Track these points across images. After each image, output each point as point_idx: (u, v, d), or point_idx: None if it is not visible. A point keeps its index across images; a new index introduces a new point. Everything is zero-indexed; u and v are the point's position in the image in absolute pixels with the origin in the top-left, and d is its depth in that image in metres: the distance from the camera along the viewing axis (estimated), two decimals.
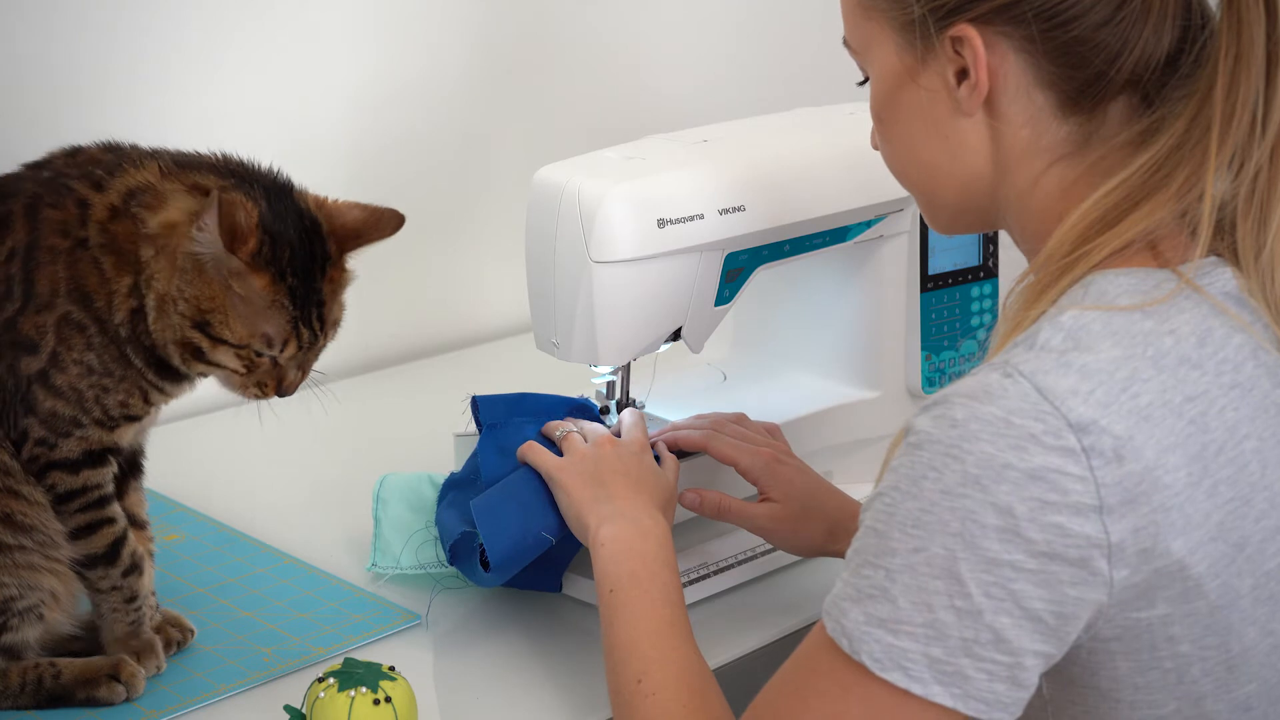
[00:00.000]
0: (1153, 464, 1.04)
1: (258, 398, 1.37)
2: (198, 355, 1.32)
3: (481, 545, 1.43)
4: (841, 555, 1.42)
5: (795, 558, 1.57)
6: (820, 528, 1.48)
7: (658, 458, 1.46)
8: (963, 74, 1.15)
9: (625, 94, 2.35)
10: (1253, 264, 1.11)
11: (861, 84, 1.25)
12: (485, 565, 1.43)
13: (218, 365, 1.33)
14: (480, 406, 1.52)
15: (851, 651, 1.06)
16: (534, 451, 1.45)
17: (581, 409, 1.53)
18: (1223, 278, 1.11)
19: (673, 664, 1.25)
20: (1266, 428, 1.09)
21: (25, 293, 1.31)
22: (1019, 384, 1.04)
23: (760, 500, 1.49)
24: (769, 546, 1.58)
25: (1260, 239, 1.11)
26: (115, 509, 1.37)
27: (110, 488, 1.37)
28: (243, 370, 1.34)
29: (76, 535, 1.35)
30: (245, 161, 1.36)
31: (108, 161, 1.35)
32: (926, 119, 1.18)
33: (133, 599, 1.38)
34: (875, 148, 1.27)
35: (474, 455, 1.52)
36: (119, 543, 1.37)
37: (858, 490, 1.66)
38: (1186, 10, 1.12)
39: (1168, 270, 1.10)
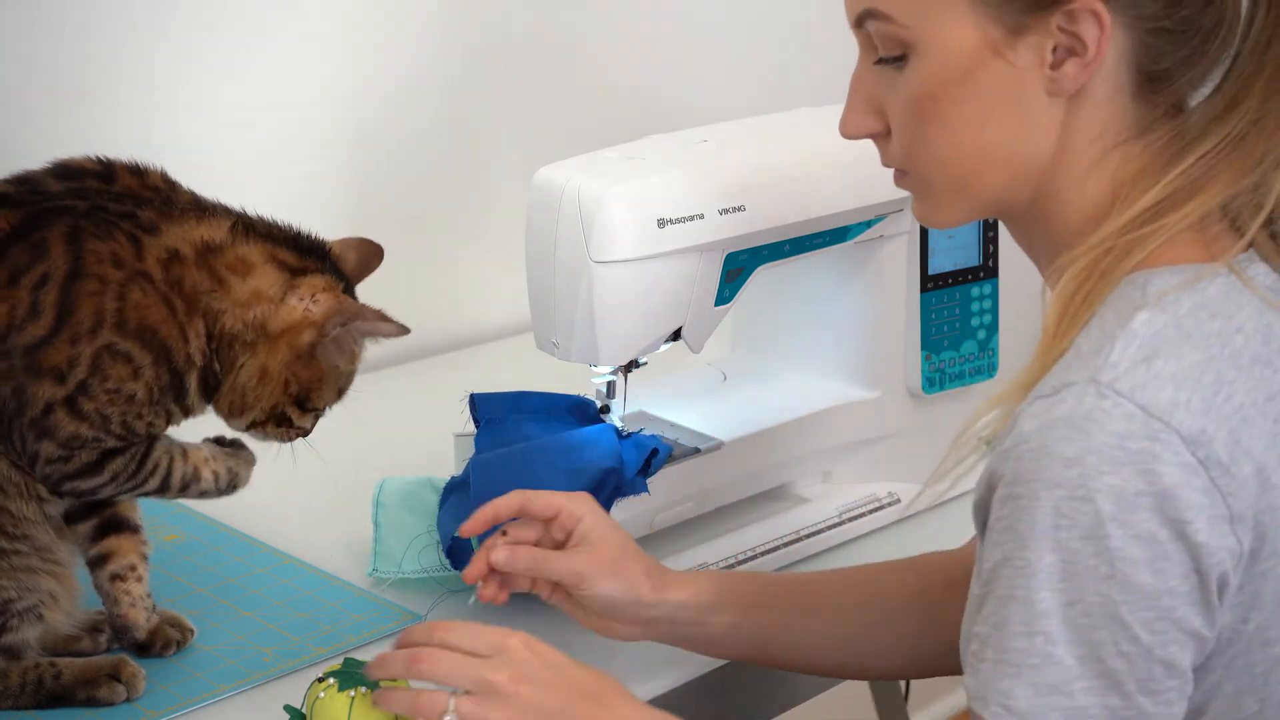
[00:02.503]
0: (1260, 463, 1.03)
1: (290, 440, 1.42)
2: (281, 421, 1.38)
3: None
4: (657, 607, 1.33)
5: (814, 551, 1.57)
6: (640, 569, 1.33)
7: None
8: (1057, 50, 1.09)
9: (625, 94, 2.35)
10: None
11: (880, 62, 1.15)
12: (451, 555, 1.43)
13: (294, 427, 1.39)
14: (479, 404, 1.52)
15: None
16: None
17: (580, 407, 1.53)
18: (1261, 271, 1.11)
19: None
20: None
21: (57, 319, 1.30)
22: (1120, 404, 1.01)
23: (576, 547, 1.33)
24: (768, 546, 1.58)
25: None
26: (153, 457, 1.37)
27: (140, 452, 1.37)
28: (309, 428, 1.41)
29: (122, 494, 1.38)
30: (297, 231, 1.40)
31: (153, 201, 1.35)
32: (1003, 98, 1.11)
33: (204, 493, 1.41)
34: (857, 135, 1.19)
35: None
36: (167, 475, 1.38)
37: (860, 490, 1.67)
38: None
39: (1216, 264, 1.09)
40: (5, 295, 1.29)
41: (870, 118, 1.18)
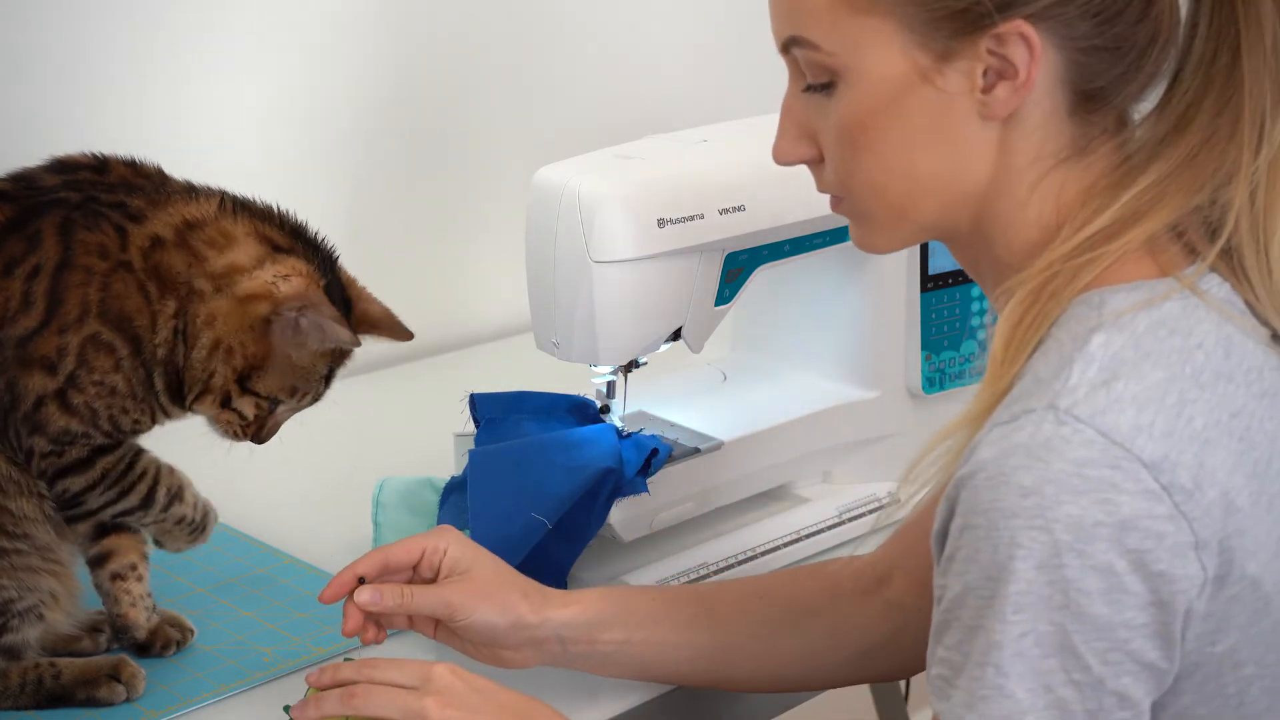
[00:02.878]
0: (1225, 487, 1.01)
1: (235, 439, 1.39)
2: (223, 401, 1.35)
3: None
4: (541, 626, 1.31)
5: (815, 550, 1.57)
6: (517, 591, 1.30)
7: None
8: (988, 74, 1.07)
9: (625, 94, 2.35)
10: (1256, 270, 1.08)
11: (811, 90, 1.12)
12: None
13: (233, 410, 1.36)
14: (478, 403, 1.53)
15: None
16: None
17: (580, 407, 1.53)
18: (1214, 283, 1.08)
19: None
20: None
21: (48, 310, 1.30)
22: (1080, 430, 0.99)
23: (447, 579, 1.30)
24: (768, 546, 1.58)
25: (1260, 249, 1.08)
26: (141, 464, 1.38)
27: (130, 454, 1.37)
28: (250, 418, 1.37)
29: (109, 506, 1.37)
30: (299, 223, 1.39)
31: (144, 189, 1.35)
32: (934, 124, 1.09)
33: (180, 521, 1.41)
34: (788, 162, 1.16)
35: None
36: (151, 488, 1.38)
37: (860, 490, 1.66)
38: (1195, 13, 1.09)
39: (1169, 279, 1.06)
40: (1, 287, 1.30)
41: (802, 144, 1.15)
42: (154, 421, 1.37)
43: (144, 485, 1.38)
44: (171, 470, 1.41)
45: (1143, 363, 1.02)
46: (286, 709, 1.26)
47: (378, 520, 1.57)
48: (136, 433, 1.37)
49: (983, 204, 1.11)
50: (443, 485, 1.55)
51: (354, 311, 1.40)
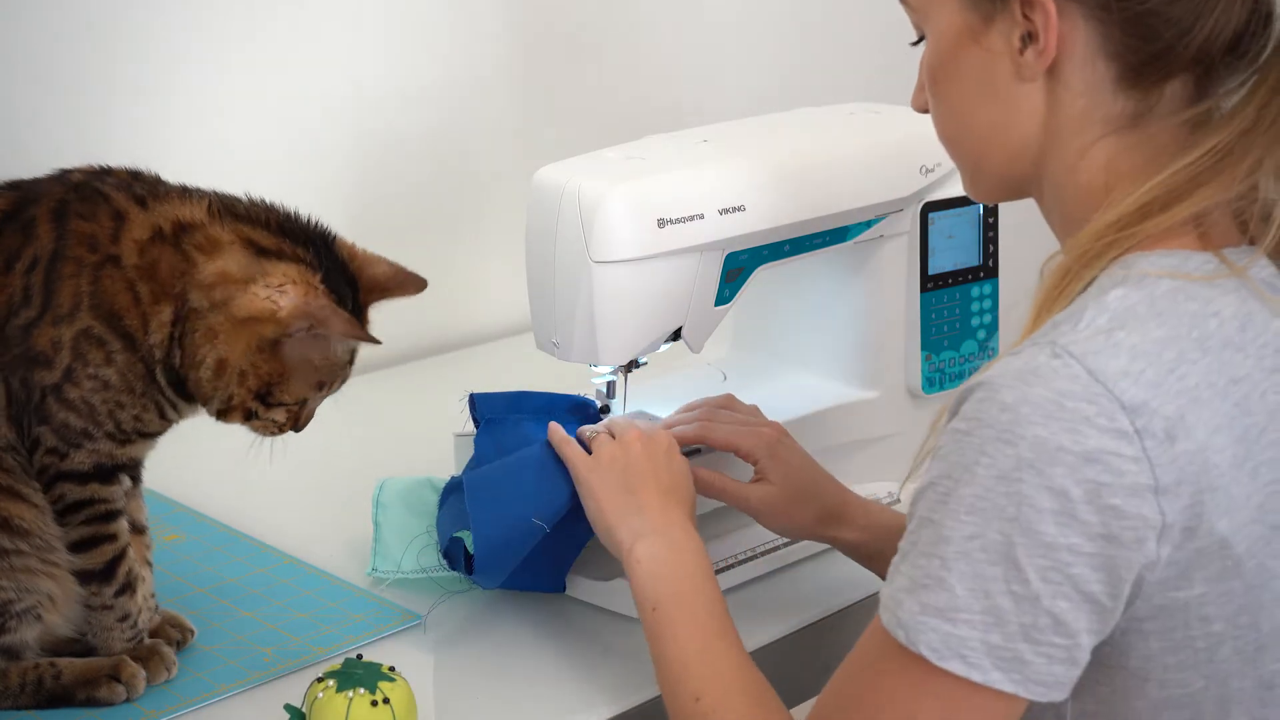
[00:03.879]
0: (1203, 444, 1.04)
1: (277, 434, 1.38)
2: (248, 416, 1.34)
3: (465, 537, 1.43)
4: (828, 540, 1.48)
5: (815, 550, 1.58)
6: (812, 512, 1.47)
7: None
8: (1027, 38, 1.14)
9: (625, 94, 2.35)
10: None
11: (915, 44, 1.24)
12: (469, 559, 1.43)
13: (262, 420, 1.35)
14: (478, 403, 1.52)
15: (909, 643, 1.05)
16: (567, 445, 1.43)
17: (580, 407, 1.53)
18: (1260, 264, 1.12)
19: (728, 677, 1.24)
20: None
21: (44, 302, 1.30)
22: (1069, 365, 1.04)
23: (755, 480, 1.48)
24: (768, 547, 1.58)
25: None
26: (119, 525, 1.36)
27: (119, 504, 1.36)
28: (283, 420, 1.36)
29: (76, 548, 1.35)
30: (287, 213, 1.36)
31: (148, 179, 1.34)
32: (984, 81, 1.17)
33: (124, 618, 1.37)
34: (918, 109, 1.25)
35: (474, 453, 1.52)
36: (117, 560, 1.36)
37: (860, 490, 1.66)
38: None
39: (1208, 254, 1.10)
40: (3, 283, 1.30)
41: (921, 94, 1.25)
42: (163, 417, 1.36)
43: (111, 549, 1.35)
44: (136, 566, 1.38)
45: (1151, 319, 1.06)
46: (287, 708, 1.27)
47: (378, 520, 1.57)
48: (143, 433, 1.35)
49: (1040, 162, 1.18)
50: (442, 485, 1.55)
51: (361, 283, 1.38)
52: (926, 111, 1.25)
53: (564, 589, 1.50)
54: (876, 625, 1.09)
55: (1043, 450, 1.02)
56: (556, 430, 1.45)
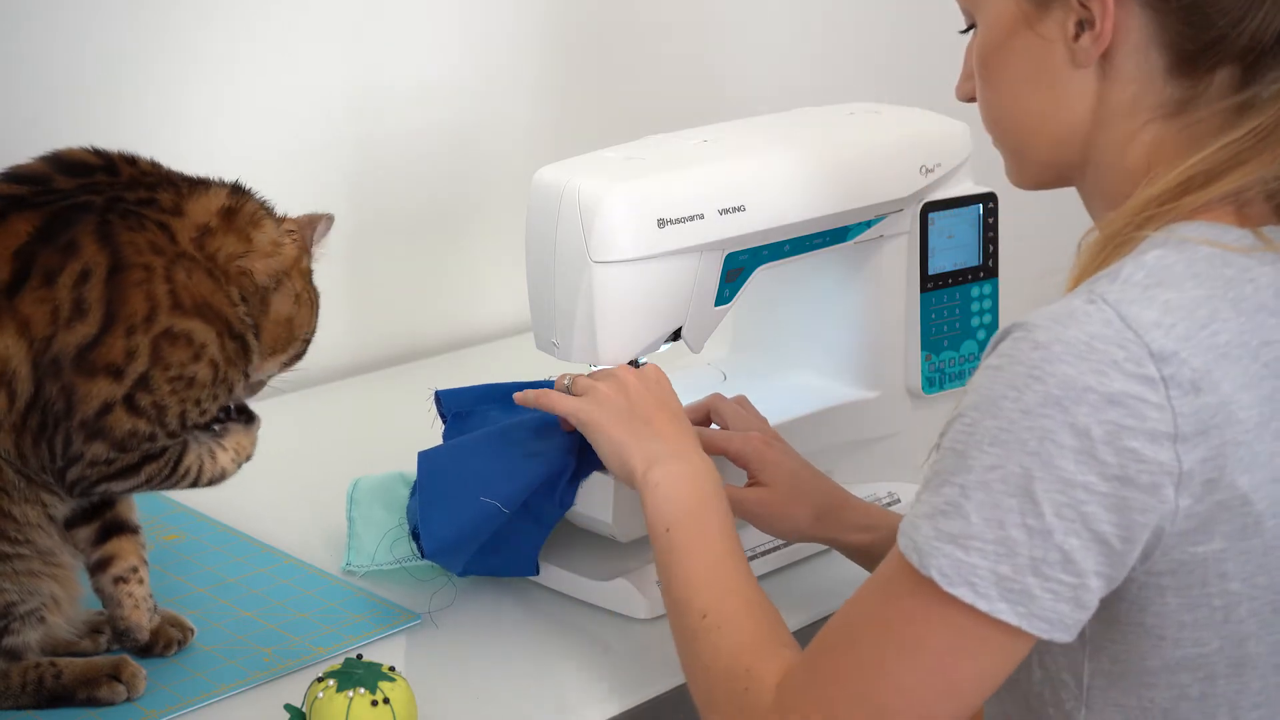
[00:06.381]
0: (1228, 399, 1.06)
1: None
2: (303, 351, 1.43)
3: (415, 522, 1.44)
4: (826, 542, 1.49)
5: (815, 550, 1.58)
6: (808, 513, 1.48)
7: None
8: (1082, 25, 1.16)
9: (625, 94, 2.35)
10: None
11: (964, 31, 1.25)
12: (416, 539, 1.44)
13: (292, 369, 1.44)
14: (443, 400, 1.53)
15: (920, 566, 1.07)
16: (547, 395, 1.43)
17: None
18: None
19: (736, 595, 1.25)
20: None
21: (107, 315, 1.29)
22: (1103, 310, 1.06)
23: (749, 485, 1.49)
24: (768, 547, 1.58)
25: None
26: (185, 463, 1.37)
27: (174, 458, 1.37)
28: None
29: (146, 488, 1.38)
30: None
31: (158, 183, 1.35)
32: (1037, 68, 1.19)
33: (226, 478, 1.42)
34: (963, 99, 1.27)
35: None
36: (196, 480, 1.39)
37: (860, 490, 1.66)
38: None
39: (1246, 230, 1.12)
40: (45, 297, 1.28)
41: (967, 82, 1.27)
42: (231, 394, 1.38)
43: (187, 481, 1.38)
44: (213, 453, 1.40)
45: (1188, 280, 1.08)
46: (287, 707, 1.27)
47: (351, 516, 1.58)
48: (200, 426, 1.36)
49: (1086, 148, 1.20)
50: (414, 479, 1.55)
51: None
52: (972, 100, 1.26)
53: (537, 572, 1.50)
54: (895, 551, 1.10)
55: (1069, 388, 1.04)
56: (527, 394, 1.45)
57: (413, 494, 1.54)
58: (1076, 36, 1.16)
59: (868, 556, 1.47)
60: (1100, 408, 1.04)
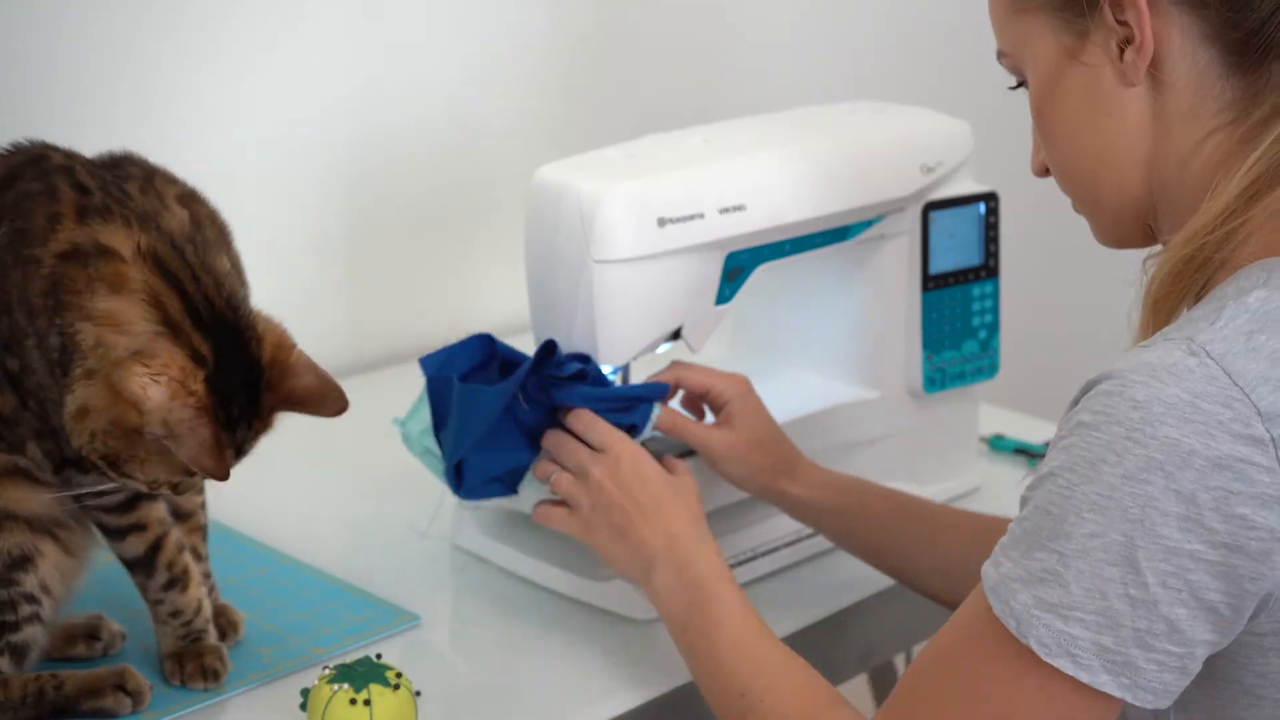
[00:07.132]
0: None
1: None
2: (86, 467, 1.27)
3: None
4: (777, 495, 1.50)
5: (824, 548, 1.59)
6: (768, 462, 1.49)
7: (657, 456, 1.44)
8: (1124, 44, 1.12)
9: (625, 94, 2.35)
10: None
11: (1014, 88, 1.23)
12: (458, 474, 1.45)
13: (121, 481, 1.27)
14: (424, 365, 1.53)
15: (1019, 634, 1.03)
16: (552, 517, 1.43)
17: (546, 350, 1.48)
18: None
19: (768, 667, 1.24)
20: None
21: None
22: (1206, 365, 1.01)
23: (717, 425, 1.50)
24: (768, 547, 1.58)
25: None
26: (147, 513, 1.34)
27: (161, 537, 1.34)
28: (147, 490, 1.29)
29: (112, 535, 1.34)
30: (220, 287, 1.26)
31: (133, 181, 1.31)
32: (1090, 98, 1.15)
33: (176, 614, 1.36)
34: (1039, 173, 1.24)
35: (428, 402, 1.53)
36: (155, 550, 1.35)
37: None
38: None
39: None
40: None
41: (1040, 153, 1.23)
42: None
43: (143, 539, 1.34)
44: (180, 557, 1.36)
45: None
46: (304, 691, 1.27)
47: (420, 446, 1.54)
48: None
49: (1150, 173, 1.16)
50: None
51: (274, 390, 1.29)
52: (1047, 174, 1.23)
53: (516, 492, 1.48)
54: (981, 604, 1.06)
55: (1174, 453, 1.00)
56: (542, 512, 1.44)
57: (439, 428, 1.53)
58: (1121, 55, 1.13)
59: (808, 510, 1.49)
60: (1207, 473, 0.99)
